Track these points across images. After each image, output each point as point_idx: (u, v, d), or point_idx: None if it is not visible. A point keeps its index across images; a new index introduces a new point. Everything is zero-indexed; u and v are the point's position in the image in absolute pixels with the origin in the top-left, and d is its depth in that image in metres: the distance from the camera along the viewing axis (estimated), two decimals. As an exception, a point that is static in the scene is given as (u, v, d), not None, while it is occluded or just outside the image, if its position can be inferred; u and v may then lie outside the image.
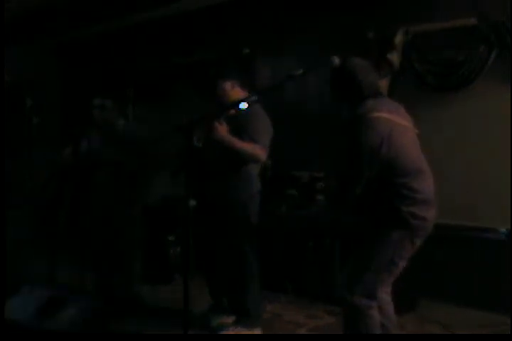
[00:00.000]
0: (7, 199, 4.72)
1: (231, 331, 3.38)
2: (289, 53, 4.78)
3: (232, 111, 3.24)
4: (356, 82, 2.54)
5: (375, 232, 2.58)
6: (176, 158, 3.82)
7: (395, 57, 4.14)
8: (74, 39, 6.41)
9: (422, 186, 2.55)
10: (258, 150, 3.23)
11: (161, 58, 5.70)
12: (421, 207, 2.52)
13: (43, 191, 4.99)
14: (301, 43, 4.74)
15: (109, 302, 3.84)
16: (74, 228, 4.68)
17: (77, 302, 3.20)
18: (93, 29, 6.09)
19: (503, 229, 3.78)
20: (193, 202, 3.43)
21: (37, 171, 5.71)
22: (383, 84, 4.18)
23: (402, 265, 2.60)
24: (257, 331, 3.39)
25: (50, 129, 6.55)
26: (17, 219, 5.27)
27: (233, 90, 3.36)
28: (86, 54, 6.39)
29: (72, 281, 3.79)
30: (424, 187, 2.57)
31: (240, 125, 3.25)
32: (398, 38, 4.10)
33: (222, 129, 3.17)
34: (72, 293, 3.58)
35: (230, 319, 3.52)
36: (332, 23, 4.49)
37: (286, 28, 4.84)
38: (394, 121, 2.54)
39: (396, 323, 2.72)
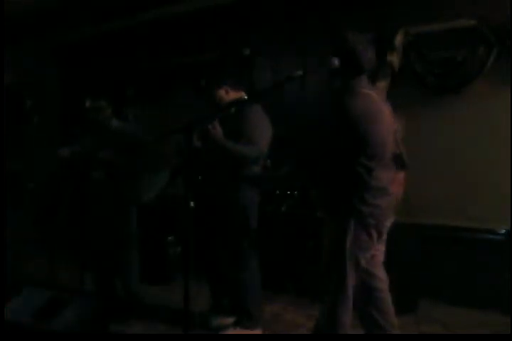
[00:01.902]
0: (7, 199, 4.72)
1: (231, 331, 3.38)
2: (289, 53, 4.78)
3: (229, 113, 3.27)
4: (356, 56, 2.54)
5: (330, 223, 2.58)
6: (175, 158, 3.83)
7: (395, 58, 4.14)
8: (74, 39, 6.41)
9: (382, 176, 2.54)
10: (254, 152, 3.23)
11: (161, 58, 5.70)
12: (374, 193, 2.51)
13: (43, 191, 5.00)
14: (301, 43, 4.73)
15: (109, 302, 3.84)
16: (74, 228, 4.68)
17: (77, 302, 3.19)
18: (93, 29, 6.09)
19: (503, 230, 3.79)
20: (192, 204, 3.39)
21: (37, 171, 5.72)
22: (383, 84, 4.19)
23: (365, 257, 2.57)
24: (257, 331, 3.39)
25: (50, 129, 6.56)
26: (17, 219, 5.27)
27: (228, 95, 3.38)
28: (85, 54, 6.38)
29: (72, 281, 3.79)
30: (384, 177, 2.55)
31: (238, 126, 3.26)
32: (398, 38, 4.10)
33: (215, 132, 3.19)
34: (72, 293, 3.59)
35: (230, 319, 3.52)
36: (332, 23, 4.48)
37: (286, 28, 4.84)
38: (380, 104, 2.57)
39: (395, 323, 2.70)
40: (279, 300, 4.10)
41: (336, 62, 2.51)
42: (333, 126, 2.51)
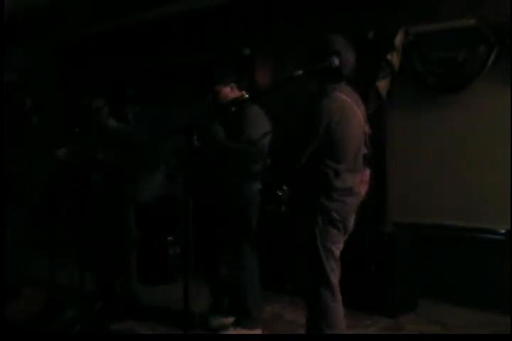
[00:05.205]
0: (7, 199, 4.72)
1: (231, 331, 3.38)
2: (289, 54, 4.78)
3: (229, 112, 3.27)
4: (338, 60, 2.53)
5: (298, 220, 2.69)
6: (174, 158, 3.82)
7: (395, 58, 4.13)
8: (74, 39, 6.41)
9: (348, 178, 2.59)
10: (254, 151, 3.23)
11: (161, 58, 5.70)
12: (340, 193, 2.57)
13: (42, 191, 4.99)
14: (300, 43, 4.73)
15: (109, 302, 3.84)
16: (73, 228, 4.68)
17: (77, 302, 3.20)
18: (93, 29, 6.09)
19: (503, 230, 3.79)
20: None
21: (37, 171, 5.71)
22: (383, 84, 4.19)
23: (338, 247, 2.65)
24: (257, 331, 3.39)
25: (50, 129, 6.56)
26: (17, 219, 5.27)
27: (233, 93, 3.37)
28: (86, 54, 6.38)
29: (72, 282, 3.79)
30: (350, 179, 2.60)
31: (238, 126, 3.25)
32: (398, 38, 4.09)
33: (215, 132, 3.20)
34: (72, 293, 3.59)
35: (230, 319, 3.52)
36: (332, 23, 4.48)
37: (286, 28, 4.84)
38: (353, 109, 2.59)
39: (342, 317, 2.70)
40: (279, 300, 4.09)
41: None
42: (303, 124, 2.55)
